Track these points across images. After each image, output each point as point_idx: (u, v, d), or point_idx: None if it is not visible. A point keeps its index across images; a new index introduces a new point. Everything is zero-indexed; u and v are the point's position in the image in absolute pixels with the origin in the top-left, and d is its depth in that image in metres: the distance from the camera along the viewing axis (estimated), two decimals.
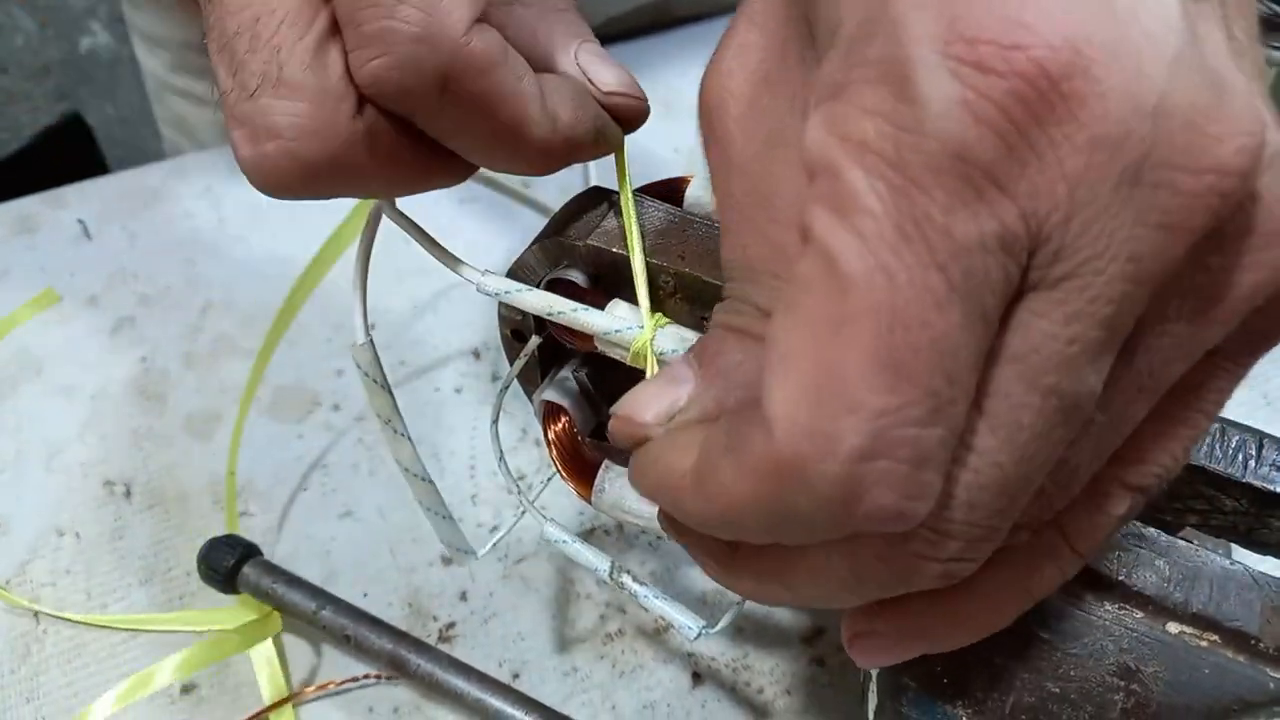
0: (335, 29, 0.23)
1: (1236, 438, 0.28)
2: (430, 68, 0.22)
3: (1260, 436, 0.28)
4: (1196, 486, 0.28)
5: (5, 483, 0.46)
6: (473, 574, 0.43)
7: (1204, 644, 0.25)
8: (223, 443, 0.47)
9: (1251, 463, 0.28)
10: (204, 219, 0.57)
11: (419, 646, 0.37)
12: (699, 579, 0.43)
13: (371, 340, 0.30)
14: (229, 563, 0.39)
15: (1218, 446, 0.28)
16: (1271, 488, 0.27)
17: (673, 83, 0.66)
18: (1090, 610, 0.26)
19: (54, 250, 0.56)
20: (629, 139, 0.30)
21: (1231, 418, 0.49)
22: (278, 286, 0.54)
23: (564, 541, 0.34)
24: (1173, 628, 0.25)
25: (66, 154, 1.26)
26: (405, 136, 0.25)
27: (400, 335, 0.52)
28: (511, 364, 0.34)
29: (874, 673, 0.28)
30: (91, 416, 0.48)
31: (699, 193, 0.32)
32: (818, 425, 0.17)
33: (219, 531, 0.43)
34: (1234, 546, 0.32)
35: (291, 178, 0.24)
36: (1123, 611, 0.26)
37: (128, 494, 0.46)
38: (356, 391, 0.49)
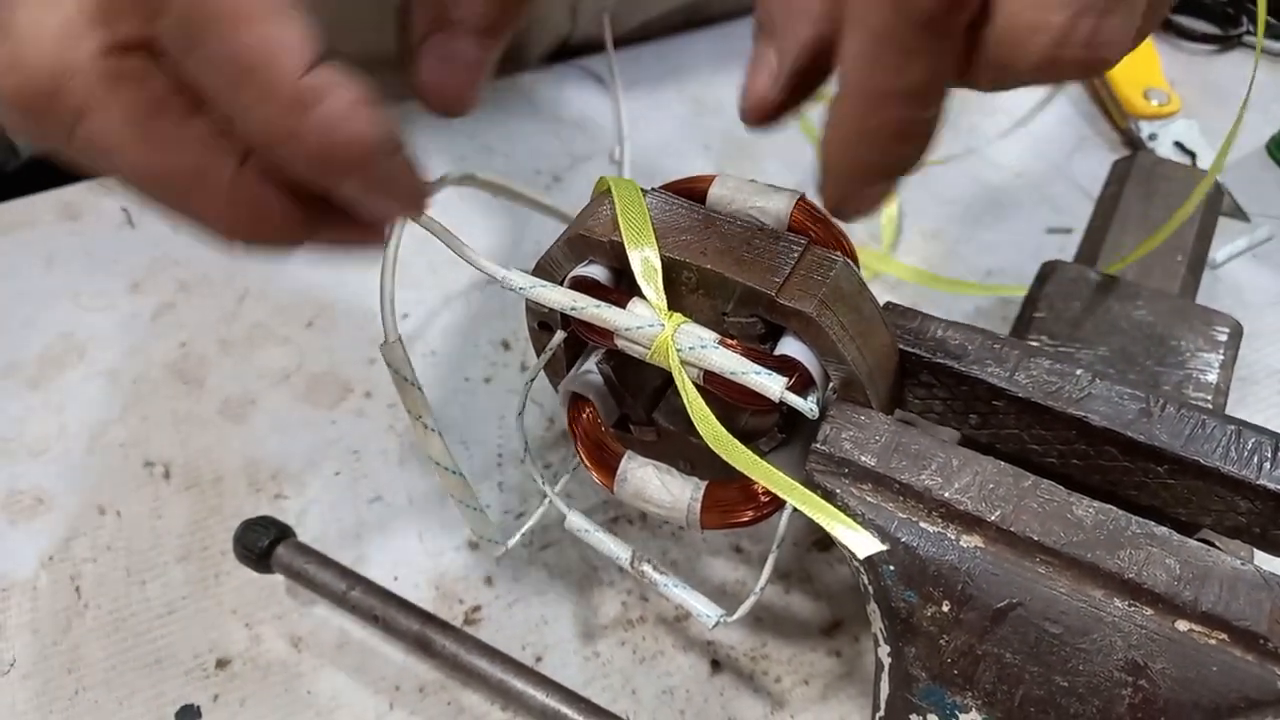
0: None
1: (1253, 440, 0.29)
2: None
3: (1276, 439, 0.29)
4: (1211, 488, 0.29)
5: (50, 461, 0.47)
6: (499, 560, 0.44)
7: (1212, 642, 0.25)
8: (258, 427, 0.49)
9: (1267, 464, 0.28)
10: None
11: (445, 628, 0.38)
12: (720, 568, 0.44)
13: (400, 339, 0.31)
14: (264, 543, 0.40)
15: (1233, 448, 0.28)
16: None
17: (704, 80, 0.66)
18: (1100, 607, 0.26)
19: (98, 236, 0.57)
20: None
21: (1260, 419, 0.49)
22: (314, 277, 0.55)
23: (586, 531, 0.35)
24: (1181, 625, 0.26)
25: None
26: None
27: (431, 325, 0.53)
28: (539, 355, 0.35)
29: (886, 664, 0.29)
30: (132, 399, 0.50)
31: (721, 191, 0.32)
32: None
33: (253, 513, 0.45)
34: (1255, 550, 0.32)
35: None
36: (1132, 608, 0.26)
37: (166, 475, 0.47)
38: (388, 379, 0.50)
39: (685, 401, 0.28)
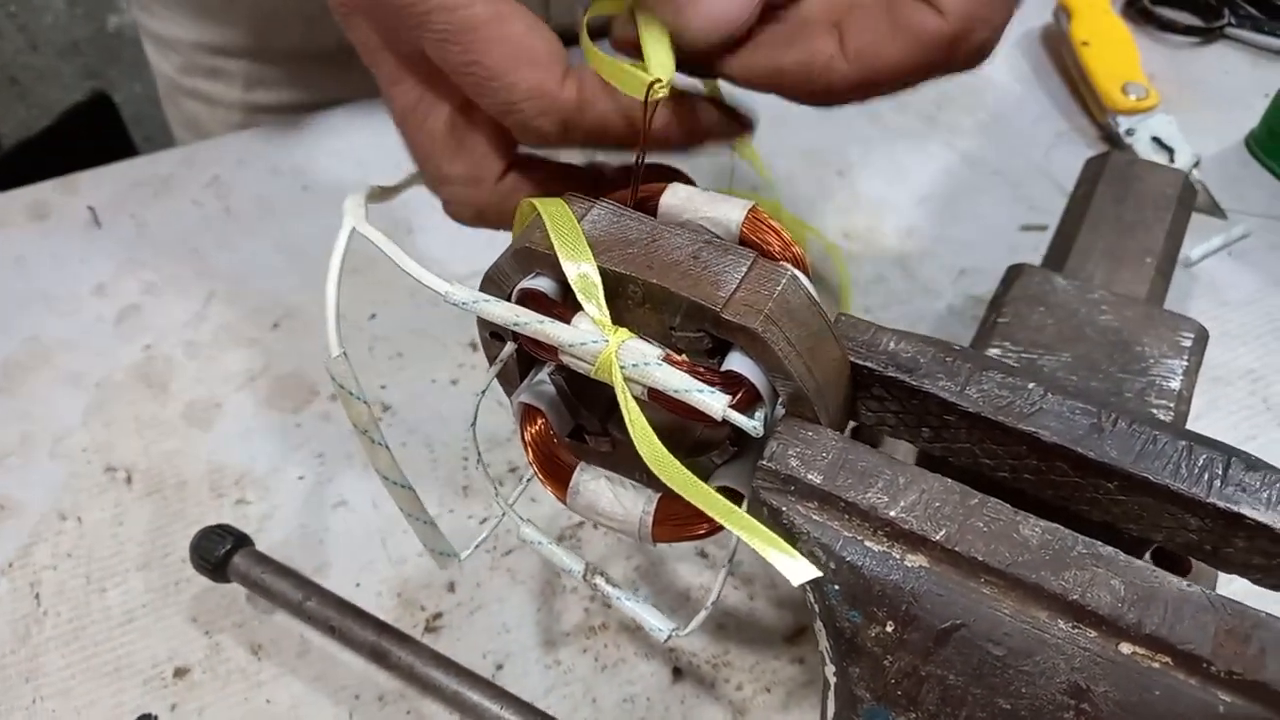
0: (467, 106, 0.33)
1: (1204, 456, 0.28)
2: (550, 127, 0.31)
3: (1229, 455, 0.28)
4: (1162, 505, 0.28)
5: (12, 467, 0.47)
6: (461, 565, 0.44)
7: (1156, 665, 0.25)
8: (221, 432, 0.48)
9: (1217, 482, 0.28)
10: (211, 208, 0.58)
11: (401, 639, 0.38)
12: (683, 575, 0.44)
13: (345, 354, 0.30)
14: (220, 552, 0.40)
15: (1184, 465, 0.28)
16: (1235, 508, 0.27)
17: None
18: (1043, 628, 0.26)
19: (65, 237, 0.57)
20: None
21: (1231, 420, 0.48)
22: (282, 278, 0.55)
23: (539, 543, 0.34)
24: (1125, 648, 0.25)
25: (93, 132, 1.27)
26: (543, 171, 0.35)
27: (399, 327, 0.53)
28: (491, 365, 0.35)
29: (832, 681, 0.29)
30: (95, 403, 0.49)
31: (672, 200, 0.32)
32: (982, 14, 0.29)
33: (216, 519, 0.44)
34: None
35: (472, 219, 0.36)
36: (1076, 630, 0.26)
37: (129, 480, 0.47)
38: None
39: (627, 420, 0.28)
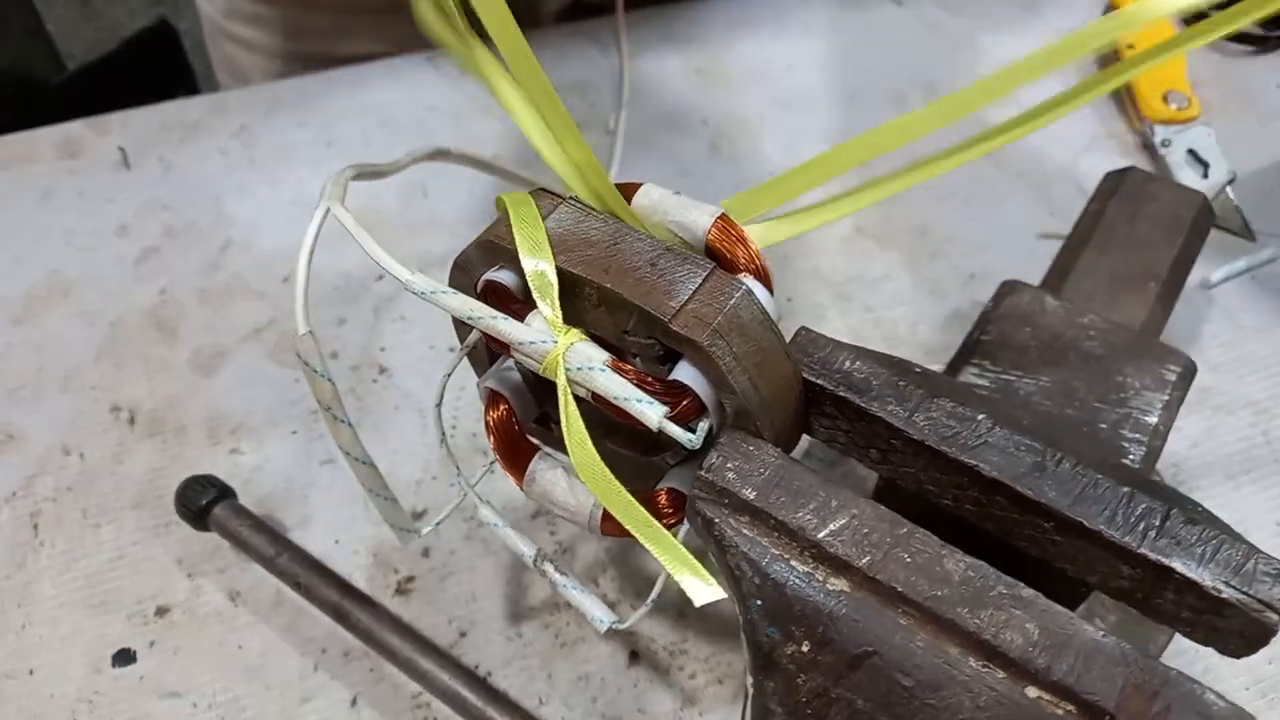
0: None
1: (1144, 506, 0.28)
2: None
3: (1169, 507, 0.28)
4: (1096, 550, 0.28)
5: (23, 398, 0.49)
6: (438, 531, 0.45)
7: (1059, 713, 0.25)
8: (224, 380, 0.50)
9: (1152, 534, 0.27)
10: (236, 157, 0.59)
11: (363, 601, 0.39)
12: (651, 561, 0.44)
13: (311, 332, 0.31)
14: (202, 502, 0.41)
15: (1120, 513, 0.28)
16: (1166, 561, 0.27)
17: (711, 52, 0.65)
18: (954, 664, 0.26)
19: (94, 176, 0.58)
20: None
21: (1227, 451, 0.47)
22: (296, 233, 0.56)
23: (495, 525, 0.35)
24: (1031, 692, 0.25)
25: (155, 60, 1.29)
26: None
27: (402, 291, 0.53)
28: (462, 345, 0.35)
29: (750, 692, 0.29)
30: (108, 342, 0.51)
31: (644, 201, 0.32)
32: None
33: (210, 465, 0.46)
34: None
35: None
36: (985, 669, 0.26)
37: (132, 420, 0.49)
38: (356, 340, 0.51)
39: (563, 422, 0.28)
